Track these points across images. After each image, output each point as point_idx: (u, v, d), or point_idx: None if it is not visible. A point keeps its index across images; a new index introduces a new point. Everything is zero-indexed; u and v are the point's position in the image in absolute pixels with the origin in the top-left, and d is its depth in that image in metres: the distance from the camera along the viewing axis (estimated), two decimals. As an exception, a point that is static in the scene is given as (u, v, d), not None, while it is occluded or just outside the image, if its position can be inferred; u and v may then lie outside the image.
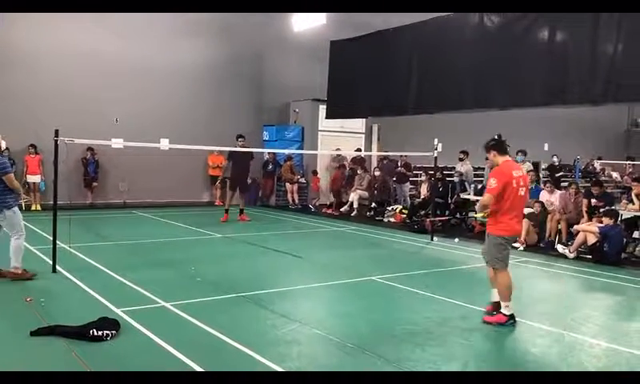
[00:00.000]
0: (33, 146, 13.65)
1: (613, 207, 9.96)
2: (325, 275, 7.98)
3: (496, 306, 5.88)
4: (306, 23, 15.84)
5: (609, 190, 18.79)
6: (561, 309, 6.75)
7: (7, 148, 11.87)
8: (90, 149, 14.49)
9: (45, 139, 10.64)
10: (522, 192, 5.66)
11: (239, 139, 12.52)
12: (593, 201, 10.24)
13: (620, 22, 8.97)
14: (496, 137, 5.83)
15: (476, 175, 14.92)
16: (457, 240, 11.05)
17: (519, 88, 10.48)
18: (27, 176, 13.60)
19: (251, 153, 13.04)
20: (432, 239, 11.06)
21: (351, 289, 7.20)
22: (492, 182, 5.63)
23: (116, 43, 15.02)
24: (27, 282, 6.70)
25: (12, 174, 6.81)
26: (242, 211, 13.01)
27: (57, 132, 7.32)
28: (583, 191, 11.09)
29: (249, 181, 13.47)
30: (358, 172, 15.38)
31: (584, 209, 10.18)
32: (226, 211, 12.91)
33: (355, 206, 14.97)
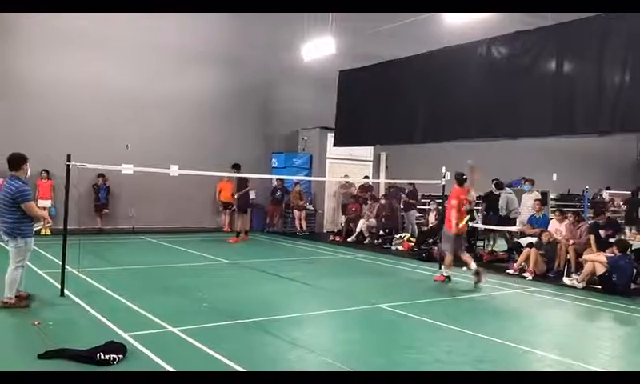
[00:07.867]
0: (45, 170, 13.83)
1: (621, 234, 9.87)
2: (332, 302, 7.97)
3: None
4: (315, 53, 16.06)
5: (619, 221, 18.71)
6: (570, 339, 6.68)
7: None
8: (101, 175, 14.68)
9: (57, 164, 10.78)
10: (464, 207, 9.59)
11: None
12: (601, 232, 10.12)
13: (626, 53, 9.05)
14: (464, 176, 9.57)
15: (478, 203, 14.84)
16: (465, 269, 10.97)
17: (525, 118, 10.53)
18: (38, 200, 13.72)
19: (246, 179, 14.18)
20: (440, 268, 10.99)
21: (358, 316, 7.18)
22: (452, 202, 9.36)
23: (127, 72, 15.29)
24: (35, 306, 6.72)
25: (32, 202, 6.63)
26: (237, 234, 14.19)
27: (69, 157, 7.46)
28: (589, 221, 10.99)
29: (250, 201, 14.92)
30: (368, 202, 15.36)
31: (592, 241, 10.06)
32: (237, 234, 14.16)
33: (366, 234, 14.95)
